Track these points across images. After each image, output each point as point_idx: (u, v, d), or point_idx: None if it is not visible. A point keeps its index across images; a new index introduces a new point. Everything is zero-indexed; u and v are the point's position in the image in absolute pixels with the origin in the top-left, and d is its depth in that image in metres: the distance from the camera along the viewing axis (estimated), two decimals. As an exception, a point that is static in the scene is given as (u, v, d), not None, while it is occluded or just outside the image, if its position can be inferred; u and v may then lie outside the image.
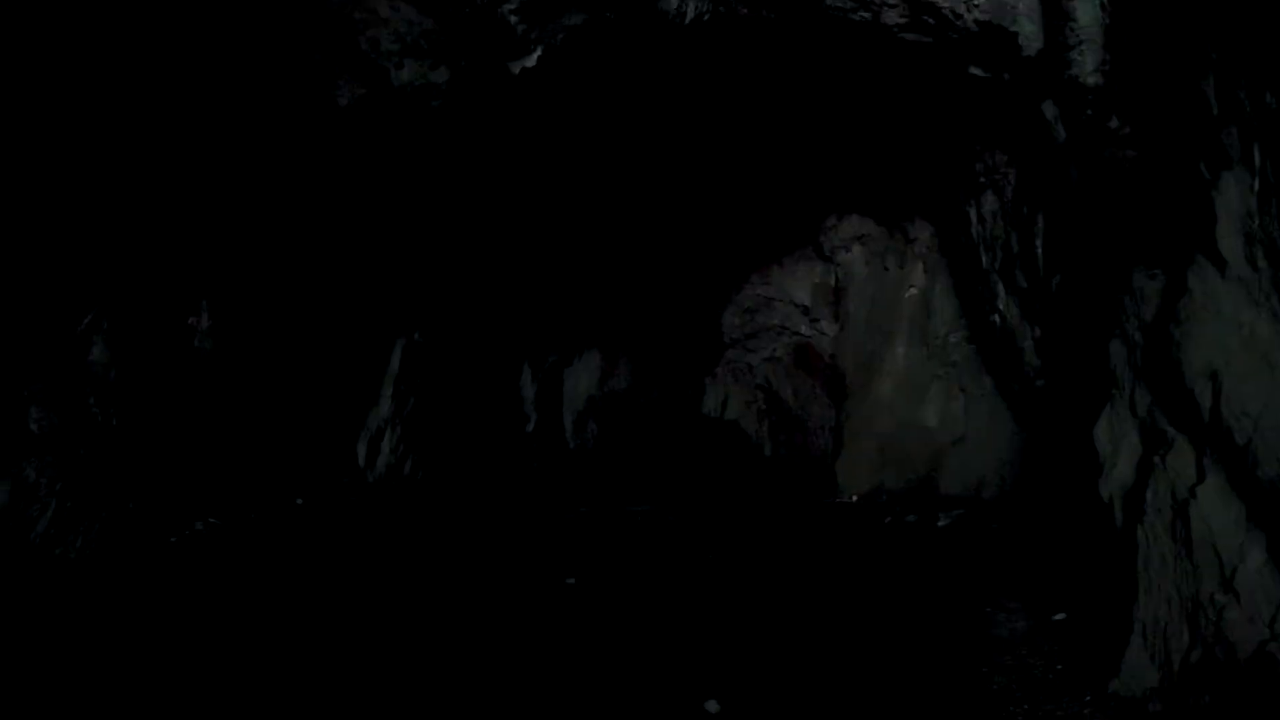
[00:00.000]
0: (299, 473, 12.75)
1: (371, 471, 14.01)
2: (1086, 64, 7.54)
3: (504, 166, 13.15)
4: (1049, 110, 8.23)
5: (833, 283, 16.59)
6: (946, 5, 8.77)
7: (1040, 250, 9.38)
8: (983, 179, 10.45)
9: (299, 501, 12.31)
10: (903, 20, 9.32)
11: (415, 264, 14.25)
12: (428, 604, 8.46)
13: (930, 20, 9.14)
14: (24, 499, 8.94)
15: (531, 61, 9.05)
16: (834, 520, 12.67)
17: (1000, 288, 10.56)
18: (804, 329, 17.41)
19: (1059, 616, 8.34)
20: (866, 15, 9.38)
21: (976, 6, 8.45)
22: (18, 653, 6.91)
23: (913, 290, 14.11)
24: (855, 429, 14.53)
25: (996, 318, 10.80)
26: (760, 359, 18.24)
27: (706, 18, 9.63)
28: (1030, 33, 8.36)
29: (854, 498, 13.85)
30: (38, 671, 6.62)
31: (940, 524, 11.89)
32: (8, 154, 8.46)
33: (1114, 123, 7.37)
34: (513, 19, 8.55)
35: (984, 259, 10.88)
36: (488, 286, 15.97)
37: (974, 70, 9.00)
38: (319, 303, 12.83)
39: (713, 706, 6.27)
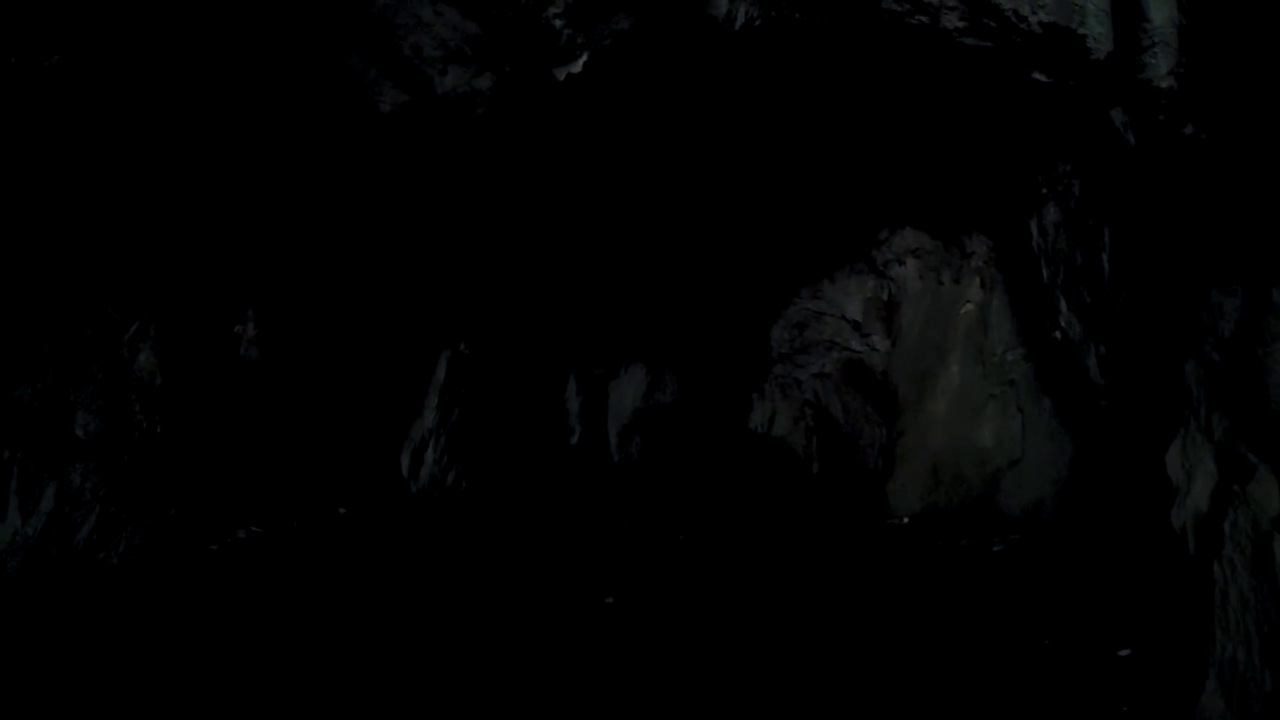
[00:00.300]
0: (342, 482, 12.67)
1: (415, 482, 13.90)
2: (1160, 67, 7.10)
3: (549, 175, 12.99)
4: (1118, 116, 7.78)
5: (885, 297, 16.12)
6: (1010, 7, 8.37)
7: (1106, 264, 8.89)
8: (1044, 190, 9.98)
9: (342, 511, 12.23)
10: (962, 24, 8.94)
11: (461, 275, 14.15)
12: (464, 620, 8.24)
13: (991, 23, 8.75)
14: (69, 503, 8.93)
15: (577, 68, 8.85)
16: (884, 543, 12.21)
17: (1062, 303, 10.06)
18: (855, 344, 16.94)
19: (1124, 653, 7.84)
20: (924, 19, 9.02)
21: (1042, 8, 8.04)
22: (53, 657, 6.85)
23: (969, 306, 13.61)
24: (907, 448, 14.04)
25: (1058, 334, 10.30)
26: (809, 375, 17.79)
27: (758, 23, 9.35)
28: (1100, 34, 7.93)
29: (905, 519, 13.36)
30: (71, 675, 6.55)
31: (995, 549, 11.37)
32: (58, 162, 8.50)
33: (1189, 129, 6.92)
34: (558, 23, 8.36)
35: (1045, 273, 10.40)
36: (533, 298, 15.83)
37: (1037, 75, 8.58)
38: (365, 312, 12.78)
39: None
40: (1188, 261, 7.10)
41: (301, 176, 10.49)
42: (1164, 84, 7.12)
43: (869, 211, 15.36)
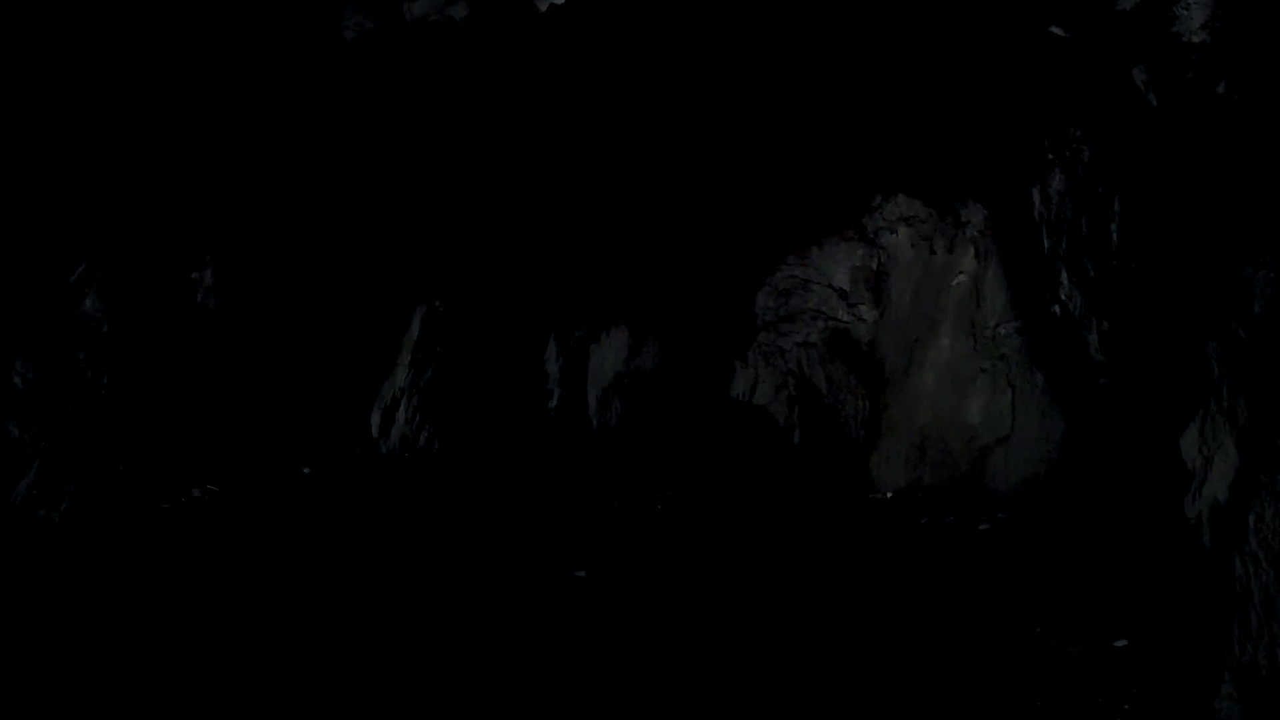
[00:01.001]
0: (308, 441, 12.01)
1: (385, 442, 13.24)
2: (1193, 19, 6.44)
3: (530, 122, 12.22)
4: (1139, 76, 7.14)
5: (874, 266, 15.52)
6: (1028, -45, 7.69)
7: (1115, 235, 8.29)
8: (1051, 155, 9.34)
9: (306, 471, 11.57)
10: (975, -26, 8.25)
11: (437, 228, 13.40)
12: (422, 592, 7.64)
13: (1006, -26, 8.07)
14: (5, 457, 8.23)
15: (560, -2, 8.07)
16: (866, 517, 11.70)
17: (1064, 275, 9.47)
18: (841, 314, 16.37)
19: (1120, 643, 7.34)
20: (935, -33, 8.31)
21: (1066, -46, 7.35)
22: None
23: (962, 277, 13.01)
24: (893, 421, 13.50)
25: (1057, 308, 9.71)
26: (793, 343, 17.22)
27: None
28: (1125, -14, 7.26)
29: (889, 494, 12.85)
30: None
31: (982, 527, 10.88)
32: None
33: (1221, 88, 6.28)
34: (542, -52, 7.59)
35: (1046, 243, 9.79)
36: (514, 256, 15.10)
37: (1054, 30, 7.90)
38: (335, 264, 12.02)
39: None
40: (1212, 233, 6.50)
41: (263, 111, 9.68)
42: (1196, 39, 6.47)
43: (861, 176, 14.70)
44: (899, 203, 14.39)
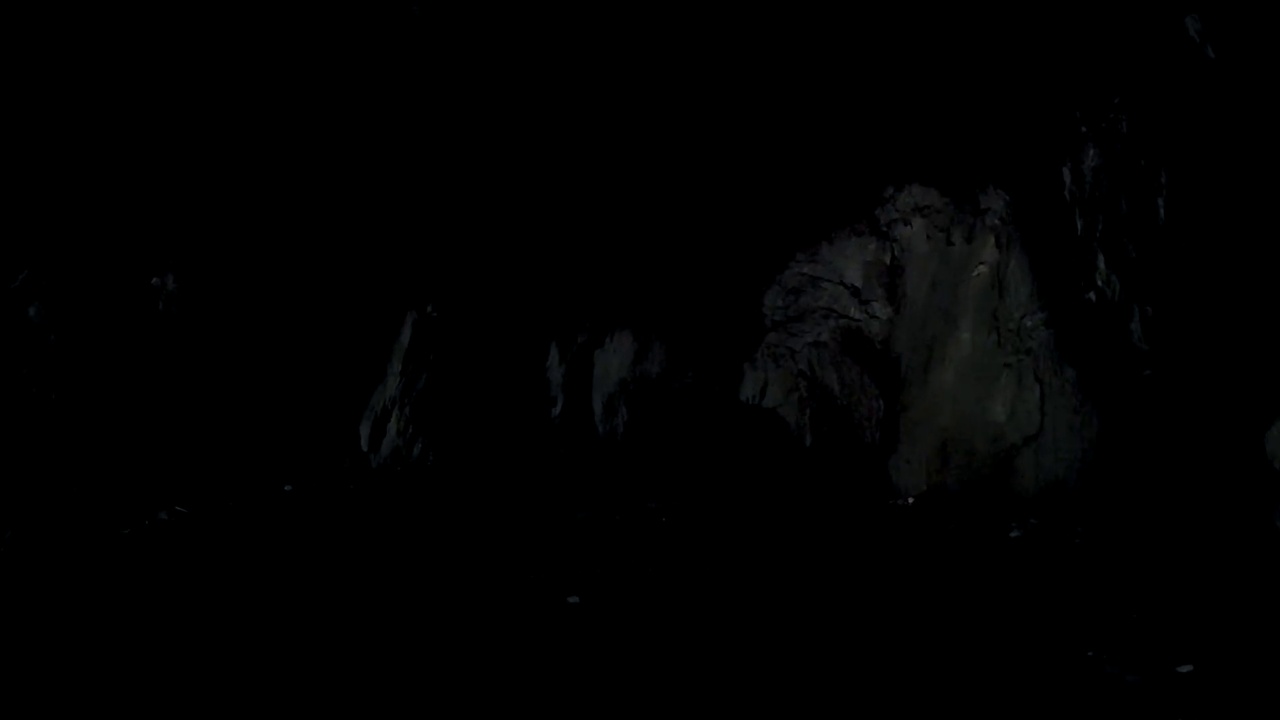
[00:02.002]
0: (290, 456, 11.09)
1: (375, 455, 12.32)
2: (1260, -49, 5.47)
3: (527, 119, 11.33)
4: (1193, 25, 6.15)
5: (887, 261, 14.49)
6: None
7: (1162, 210, 7.30)
8: (1084, 128, 8.35)
9: (287, 488, 10.64)
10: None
11: (431, 230, 12.50)
12: (401, 628, 6.69)
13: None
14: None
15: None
16: (888, 526, 10.68)
17: (1100, 259, 8.47)
18: (854, 312, 15.34)
19: (1185, 669, 6.30)
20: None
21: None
22: None
23: (982, 268, 11.99)
24: (912, 422, 12.48)
25: (1092, 295, 8.71)
26: (804, 344, 16.19)
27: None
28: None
29: (910, 499, 11.83)
30: None
31: (1013, 534, 9.86)
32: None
33: (1297, 28, 5.31)
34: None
35: (1079, 225, 8.79)
36: (511, 259, 14.17)
37: (1090, -19, 6.95)
38: (316, 267, 11.13)
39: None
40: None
41: (235, 102, 8.79)
42: (1262, -26, 5.50)
43: (872, 166, 13.71)
44: (913, 192, 13.38)
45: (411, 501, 11.21)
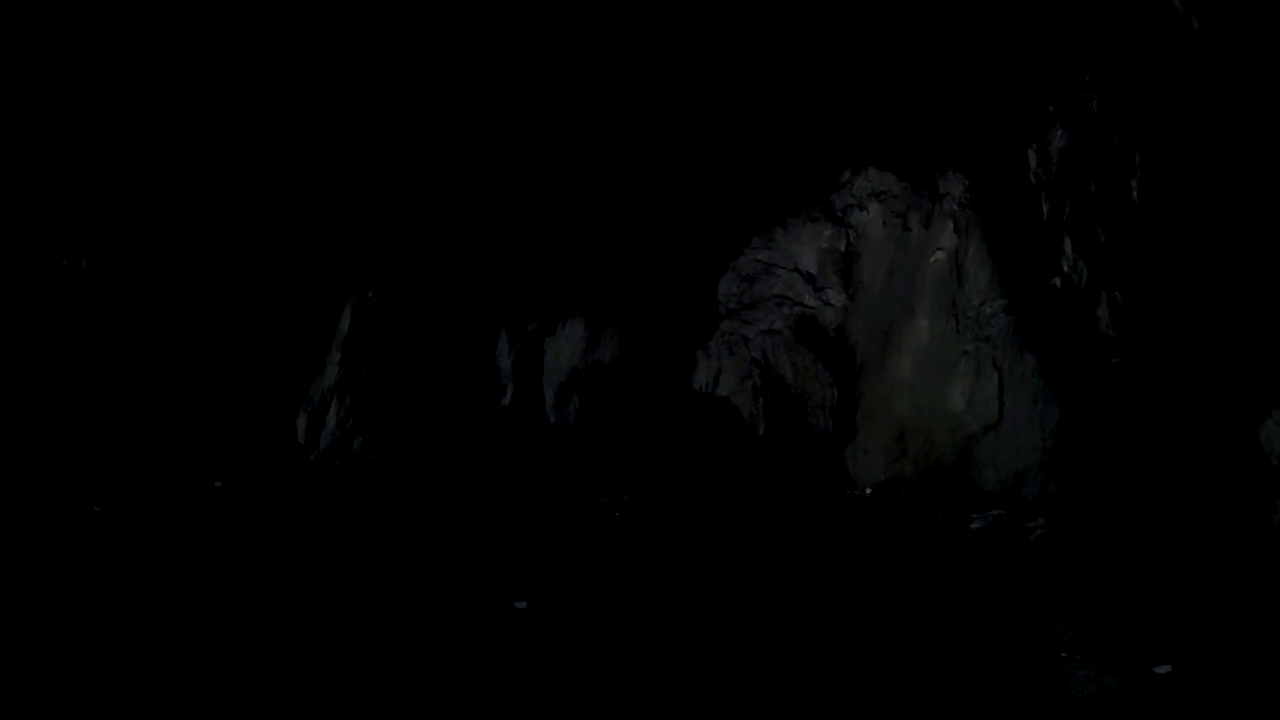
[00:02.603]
0: (222, 451, 10.30)
1: (314, 449, 11.56)
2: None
3: (480, 105, 10.65)
4: (1175, -6, 5.77)
5: (843, 247, 14.10)
6: None
7: (1135, 192, 6.94)
8: (1052, 108, 7.97)
9: (218, 485, 9.87)
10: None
11: (370, 211, 11.74)
12: (332, 635, 6.04)
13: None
14: None
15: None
16: (845, 517, 10.28)
17: (1067, 244, 8.13)
18: (808, 299, 14.94)
19: (1163, 669, 5.97)
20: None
21: None
22: None
23: (940, 254, 11.64)
24: (869, 411, 12.11)
25: (1057, 281, 8.37)
26: (758, 331, 15.77)
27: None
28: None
29: (868, 490, 11.46)
30: None
31: (974, 525, 9.52)
32: None
33: (1292, -6, 4.93)
34: None
35: (1046, 209, 8.44)
36: (458, 241, 13.47)
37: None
38: (250, 249, 10.33)
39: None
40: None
41: (150, 71, 7.98)
42: (1255, -64, 5.11)
43: (828, 150, 13.28)
44: (869, 177, 12.99)
45: (351, 497, 10.51)
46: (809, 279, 14.91)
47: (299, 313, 11.08)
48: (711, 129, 13.36)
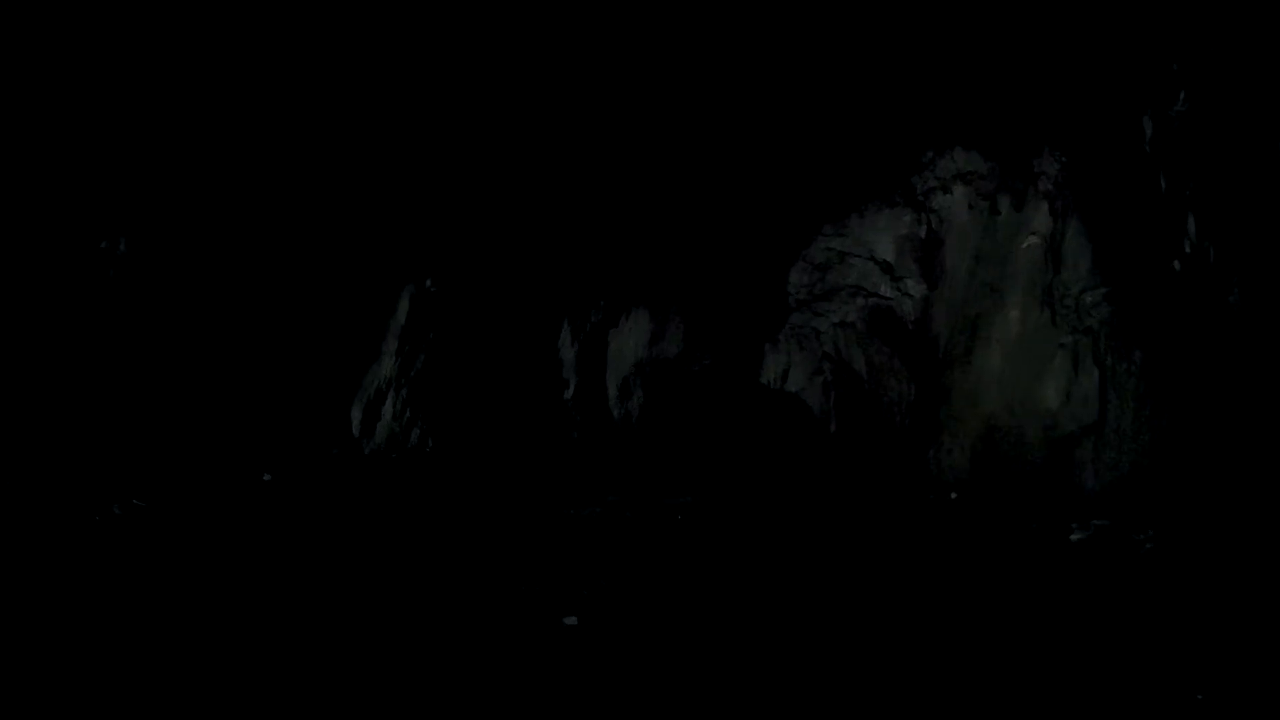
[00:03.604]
0: (273, 442, 9.84)
1: (369, 441, 11.05)
2: None
3: (544, 88, 9.96)
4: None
5: (923, 233, 13.00)
6: None
7: (1282, 158, 5.84)
8: (1176, 67, 6.84)
9: (267, 478, 9.39)
10: None
11: (429, 196, 11.16)
12: (361, 650, 5.40)
13: None
14: None
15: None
16: (931, 526, 9.28)
17: (1190, 221, 7.01)
18: (884, 290, 13.88)
19: None
20: None
21: None
22: None
23: (1033, 239, 10.51)
24: (954, 408, 11.04)
25: (1178, 264, 7.25)
26: (830, 324, 14.76)
27: None
28: None
29: (953, 494, 10.41)
30: None
31: (1074, 537, 8.44)
32: None
33: None
34: None
35: (1164, 184, 7.31)
36: (519, 228, 12.82)
37: None
38: (303, 235, 9.83)
39: None
40: None
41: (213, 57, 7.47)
42: None
43: (909, 129, 12.20)
44: (954, 158, 11.87)
45: (406, 493, 9.94)
46: (885, 268, 13.86)
47: (354, 300, 10.57)
48: (782, 108, 12.44)
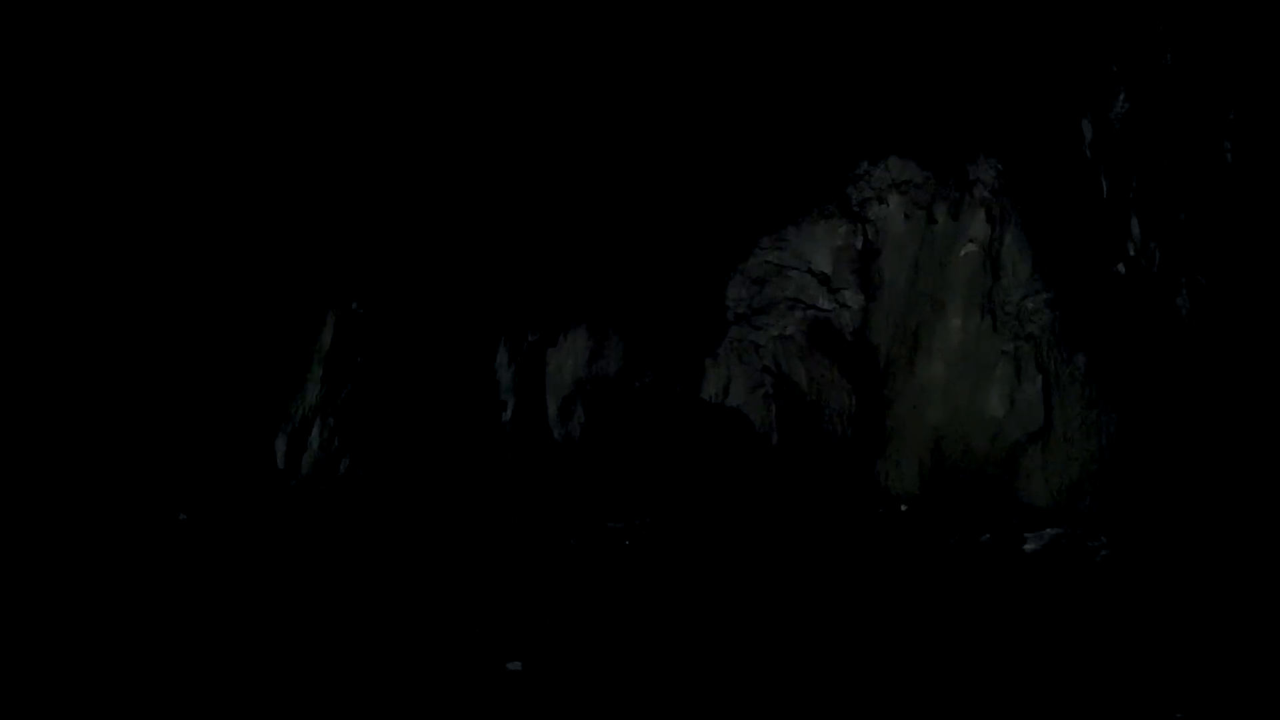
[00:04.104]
0: (189, 478, 9.05)
1: (294, 474, 10.31)
2: None
3: (479, 101, 9.45)
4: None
5: (859, 245, 12.83)
6: None
7: (1230, 157, 5.68)
8: (1115, 68, 6.70)
9: (182, 517, 8.60)
10: None
11: (357, 210, 10.53)
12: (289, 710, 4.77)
13: None
14: None
15: None
16: (883, 540, 8.97)
17: (1134, 224, 6.87)
18: (822, 302, 13.67)
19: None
20: None
21: None
22: None
23: (971, 246, 10.38)
24: (899, 419, 10.81)
25: (1122, 267, 7.10)
26: (769, 337, 14.50)
27: None
28: None
29: (903, 507, 10.15)
30: None
31: (1028, 548, 8.22)
32: None
33: None
34: None
35: (1106, 187, 7.17)
36: (453, 246, 12.25)
37: None
38: (214, 253, 9.11)
39: None
40: None
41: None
42: None
43: (842, 140, 12.02)
44: (889, 167, 11.72)
45: (334, 527, 9.23)
46: (823, 279, 13.67)
47: (275, 325, 9.86)
48: (716, 122, 12.16)
